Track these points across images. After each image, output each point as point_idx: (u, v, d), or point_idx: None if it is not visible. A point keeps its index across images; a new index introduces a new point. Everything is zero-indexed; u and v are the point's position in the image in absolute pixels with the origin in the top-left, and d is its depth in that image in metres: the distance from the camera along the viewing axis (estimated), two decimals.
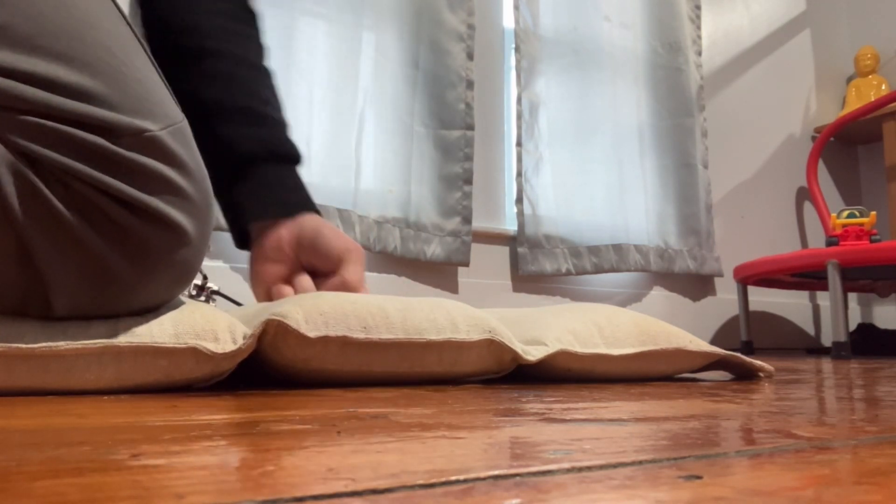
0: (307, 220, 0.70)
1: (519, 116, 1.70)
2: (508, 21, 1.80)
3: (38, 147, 0.42)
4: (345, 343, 0.52)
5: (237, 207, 0.71)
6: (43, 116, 0.42)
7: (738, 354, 0.70)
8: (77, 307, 0.45)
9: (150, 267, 0.46)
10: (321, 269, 0.70)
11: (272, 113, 0.72)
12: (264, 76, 0.74)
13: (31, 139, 0.42)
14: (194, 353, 0.47)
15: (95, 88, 0.44)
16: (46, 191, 0.43)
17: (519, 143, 1.69)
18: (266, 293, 0.70)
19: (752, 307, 2.06)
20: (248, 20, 0.75)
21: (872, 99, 2.27)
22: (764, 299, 2.15)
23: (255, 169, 0.70)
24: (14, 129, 0.42)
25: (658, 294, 1.91)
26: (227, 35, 0.71)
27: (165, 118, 0.47)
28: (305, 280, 0.69)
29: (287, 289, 0.69)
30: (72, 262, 0.44)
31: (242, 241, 0.73)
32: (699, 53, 2.01)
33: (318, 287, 0.70)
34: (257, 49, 0.75)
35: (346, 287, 0.68)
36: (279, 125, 0.72)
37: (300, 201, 0.71)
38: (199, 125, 0.66)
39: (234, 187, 0.70)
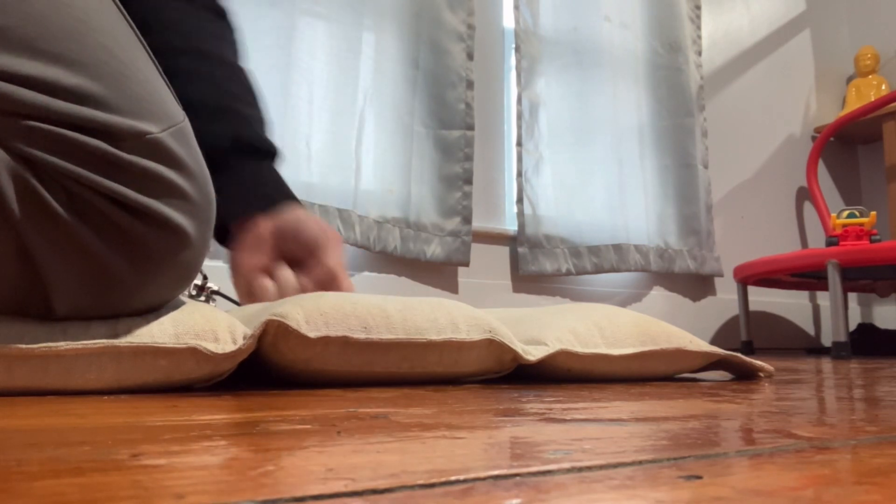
0: (286, 210, 0.70)
1: (519, 116, 1.70)
2: (508, 21, 1.80)
3: (38, 151, 0.42)
4: (345, 343, 0.52)
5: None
6: (43, 120, 0.42)
7: (739, 354, 0.69)
8: (77, 308, 0.45)
9: (151, 269, 0.46)
10: (301, 256, 0.70)
11: (242, 108, 0.71)
12: (234, 71, 0.73)
13: (31, 143, 0.42)
14: (194, 353, 0.47)
15: (96, 91, 0.44)
16: (47, 194, 0.43)
17: (519, 143, 1.69)
18: (246, 285, 0.69)
19: (752, 307, 2.05)
20: (217, 17, 0.74)
21: (872, 99, 2.27)
22: (764, 299, 2.15)
23: (226, 165, 0.69)
24: (14, 132, 0.42)
25: (658, 294, 1.91)
26: (193, 31, 0.70)
27: (167, 119, 0.47)
28: (286, 272, 0.69)
29: (268, 281, 0.68)
30: (72, 264, 0.44)
31: (222, 237, 0.73)
32: (699, 53, 2.01)
33: (300, 277, 0.69)
34: (225, 44, 0.74)
35: (328, 274, 0.68)
36: (250, 120, 0.72)
37: (277, 194, 0.71)
38: None
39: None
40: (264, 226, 0.69)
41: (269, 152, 0.72)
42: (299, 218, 0.69)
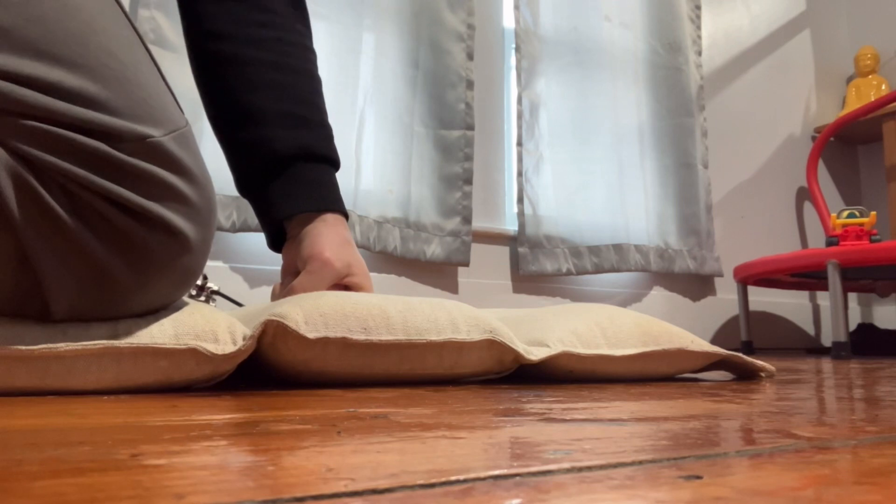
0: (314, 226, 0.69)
1: (519, 116, 1.70)
2: (508, 21, 1.80)
3: (38, 152, 0.42)
4: (345, 345, 0.52)
5: (271, 205, 0.70)
6: (44, 121, 0.42)
7: (740, 354, 0.70)
8: (74, 311, 0.45)
9: (151, 273, 0.46)
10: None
11: (314, 116, 0.71)
12: (309, 82, 0.73)
13: (31, 144, 0.42)
14: (194, 353, 0.47)
15: (98, 94, 0.44)
16: (47, 196, 0.42)
17: (519, 143, 1.69)
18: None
19: (752, 307, 2.05)
20: (296, 26, 0.74)
21: (872, 99, 2.27)
22: (764, 299, 2.15)
23: (292, 168, 0.69)
24: (15, 133, 0.42)
25: (658, 294, 1.91)
26: (271, 43, 0.71)
27: (169, 123, 0.47)
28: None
29: None
30: (71, 267, 0.44)
31: (276, 242, 0.72)
32: (699, 53, 2.01)
33: None
34: (303, 54, 0.74)
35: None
36: (320, 128, 0.72)
37: (331, 198, 0.70)
38: (239, 126, 0.67)
39: (270, 185, 0.69)
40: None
41: (332, 161, 0.72)
42: (308, 235, 0.68)
